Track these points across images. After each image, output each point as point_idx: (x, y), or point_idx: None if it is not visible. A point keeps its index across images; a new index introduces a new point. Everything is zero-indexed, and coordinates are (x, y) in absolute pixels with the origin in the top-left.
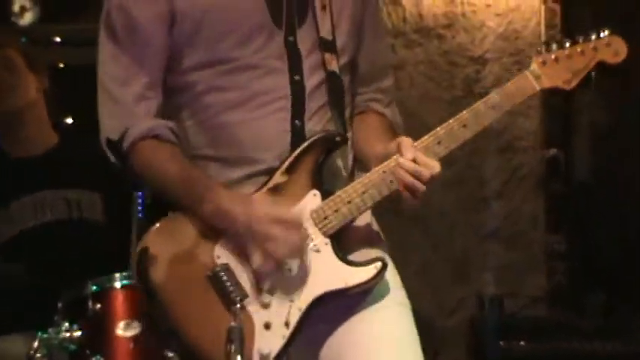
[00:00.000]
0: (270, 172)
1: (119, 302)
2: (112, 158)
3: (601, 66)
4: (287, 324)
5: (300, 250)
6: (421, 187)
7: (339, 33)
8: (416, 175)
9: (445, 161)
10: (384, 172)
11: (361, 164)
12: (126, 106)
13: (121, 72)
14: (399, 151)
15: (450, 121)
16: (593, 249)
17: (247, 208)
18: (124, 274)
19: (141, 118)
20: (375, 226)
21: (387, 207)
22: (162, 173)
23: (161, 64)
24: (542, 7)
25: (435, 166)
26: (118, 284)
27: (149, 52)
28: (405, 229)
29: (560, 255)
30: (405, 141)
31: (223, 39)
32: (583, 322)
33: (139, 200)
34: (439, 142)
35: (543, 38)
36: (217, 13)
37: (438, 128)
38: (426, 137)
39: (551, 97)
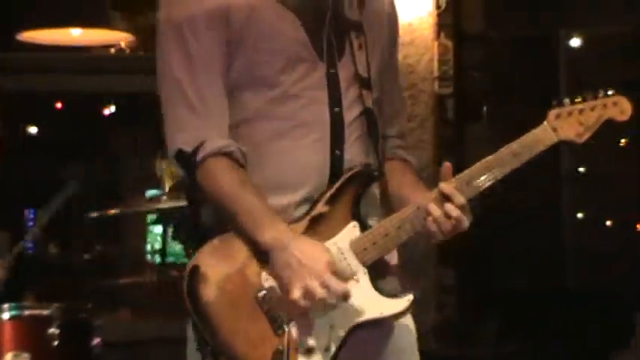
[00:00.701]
0: (309, 200)
1: (7, 333)
2: (180, 170)
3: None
4: (327, 349)
5: (345, 300)
6: (448, 227)
7: (372, 70)
8: (448, 216)
9: None
10: (418, 207)
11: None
12: (204, 118)
13: (197, 81)
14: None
15: (477, 164)
16: (486, 279)
17: (307, 247)
18: (13, 304)
19: (216, 134)
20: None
21: None
22: (228, 194)
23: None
24: (435, 43)
25: (464, 223)
26: (6, 315)
27: (219, 66)
28: None
29: (450, 288)
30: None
31: (270, 64)
32: (475, 351)
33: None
34: (467, 183)
35: (436, 73)
36: (267, 33)
37: (466, 170)
38: (455, 178)
39: (443, 130)
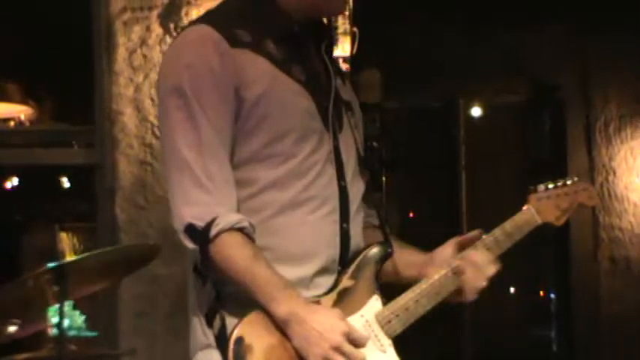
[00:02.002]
0: (324, 272)
1: None
2: (190, 244)
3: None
4: None
5: None
6: (483, 282)
7: (361, 145)
8: (478, 269)
9: None
10: (440, 276)
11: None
12: (214, 194)
13: (204, 158)
14: (458, 247)
15: (477, 242)
16: None
17: (323, 317)
18: None
19: (227, 209)
20: None
21: None
22: (243, 268)
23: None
24: None
25: (496, 264)
26: None
27: (226, 140)
28: None
29: None
30: (466, 237)
31: (284, 137)
32: None
33: None
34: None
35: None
36: (280, 111)
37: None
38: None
39: None
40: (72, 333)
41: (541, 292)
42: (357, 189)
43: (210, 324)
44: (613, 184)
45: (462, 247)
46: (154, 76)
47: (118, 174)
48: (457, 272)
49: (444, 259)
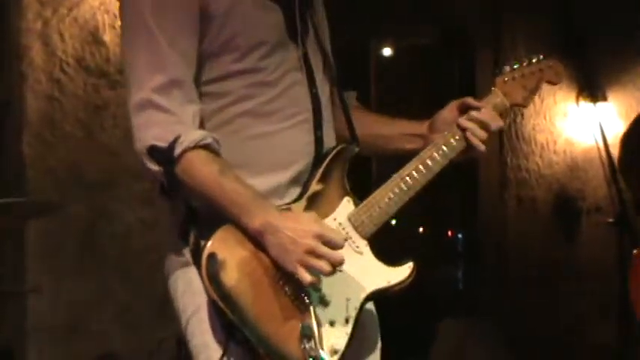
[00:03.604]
0: (298, 180)
1: None
2: (153, 166)
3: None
4: (347, 321)
5: (340, 265)
6: (485, 135)
7: (327, 45)
8: (483, 124)
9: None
10: (406, 174)
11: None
12: (174, 113)
13: (164, 79)
14: (460, 110)
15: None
16: None
17: (295, 223)
18: None
19: (190, 126)
20: None
21: None
22: (211, 185)
23: (195, 70)
24: None
25: (500, 121)
26: None
27: (188, 59)
28: (105, 272)
29: None
30: (468, 101)
31: (254, 50)
32: None
33: None
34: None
35: None
36: (250, 24)
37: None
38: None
39: None
40: None
41: (449, 232)
42: (328, 96)
43: (185, 241)
44: (521, 126)
45: (464, 109)
46: (62, 10)
47: (26, 109)
48: (462, 130)
49: (446, 122)
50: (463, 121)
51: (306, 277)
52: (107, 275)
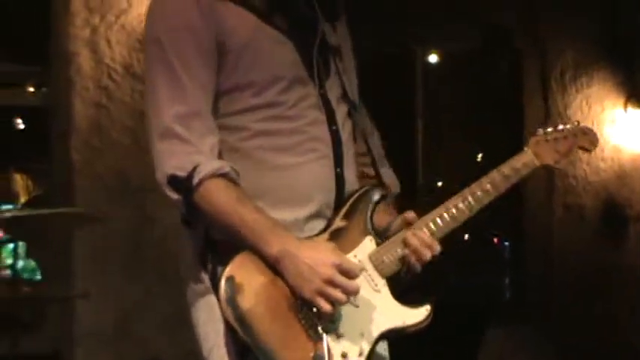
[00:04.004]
0: (318, 215)
1: None
2: (173, 195)
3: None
4: (360, 354)
5: (355, 294)
6: (418, 266)
7: (353, 92)
8: (416, 254)
9: None
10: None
11: None
12: (194, 144)
13: (184, 110)
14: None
15: (473, 185)
16: None
17: (314, 252)
18: None
19: (209, 156)
20: None
21: None
22: (229, 213)
23: (212, 105)
24: None
25: (437, 248)
26: None
27: (206, 91)
28: (151, 278)
29: None
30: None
31: (272, 84)
32: None
33: None
34: (469, 203)
35: None
36: (265, 60)
37: (465, 189)
38: (455, 196)
39: None
40: (25, 275)
41: (495, 240)
42: (349, 134)
43: (204, 268)
44: None
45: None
46: (110, 18)
47: (74, 116)
48: (404, 244)
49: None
50: (409, 237)
51: (324, 305)
52: (154, 280)
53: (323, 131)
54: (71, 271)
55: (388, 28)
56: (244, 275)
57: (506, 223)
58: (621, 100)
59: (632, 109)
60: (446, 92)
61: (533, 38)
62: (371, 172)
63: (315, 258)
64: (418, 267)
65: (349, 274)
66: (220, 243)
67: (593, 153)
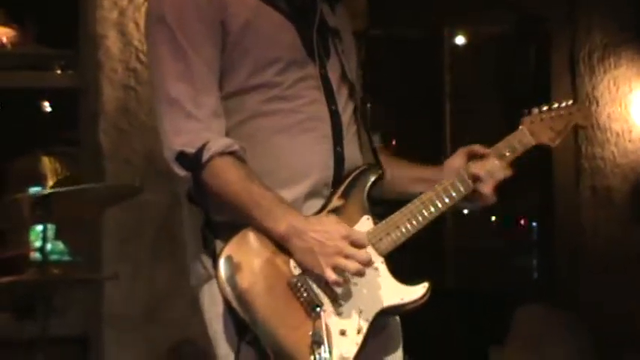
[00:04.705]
0: (315, 194)
1: None
2: (181, 172)
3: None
4: (359, 331)
5: (369, 265)
6: (492, 185)
7: (352, 73)
8: (490, 173)
9: None
10: (422, 202)
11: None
12: (203, 121)
13: (192, 87)
14: (468, 157)
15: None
16: None
17: (321, 226)
18: None
19: (218, 134)
20: None
21: None
22: (238, 190)
23: (218, 83)
24: None
25: (508, 170)
26: None
27: (213, 69)
28: (181, 260)
29: None
30: (476, 148)
31: (269, 65)
32: None
33: None
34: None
35: None
36: (264, 41)
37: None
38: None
39: None
40: (54, 257)
41: (522, 221)
42: (350, 114)
43: (207, 251)
44: (596, 114)
45: (472, 156)
46: (138, 0)
47: (102, 98)
48: (471, 178)
49: (454, 169)
50: (474, 169)
51: (334, 276)
52: (183, 263)
53: (322, 110)
54: (100, 253)
55: (417, 11)
56: (242, 254)
57: (533, 204)
58: None
59: None
60: (474, 75)
61: (563, 20)
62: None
63: (323, 231)
64: (491, 196)
65: (358, 243)
66: (220, 225)
67: (620, 134)
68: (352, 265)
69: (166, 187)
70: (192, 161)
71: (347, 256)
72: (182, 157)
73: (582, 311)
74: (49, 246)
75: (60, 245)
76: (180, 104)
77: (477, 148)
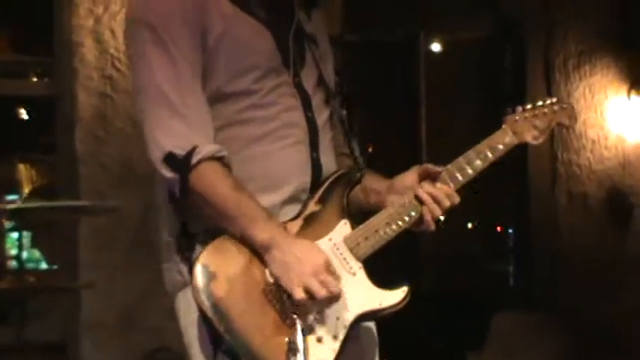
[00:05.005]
0: (293, 200)
1: None
2: (168, 173)
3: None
4: (336, 337)
5: (336, 298)
6: (439, 212)
7: (328, 77)
8: (437, 200)
9: None
10: (402, 204)
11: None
12: (193, 124)
13: (181, 90)
14: (421, 176)
15: (449, 165)
16: None
17: (303, 246)
18: None
19: (206, 139)
20: None
21: None
22: (225, 196)
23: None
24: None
25: (456, 197)
26: None
27: (198, 73)
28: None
29: None
30: (429, 168)
31: (246, 73)
32: None
33: None
34: (449, 177)
35: None
36: (242, 49)
37: (449, 165)
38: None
39: None
40: (30, 266)
41: (498, 228)
42: (325, 120)
43: (181, 256)
44: None
45: (424, 176)
46: (114, 7)
47: (78, 106)
48: (418, 200)
49: (405, 186)
50: (421, 193)
51: (301, 294)
52: (159, 269)
53: (298, 117)
54: (77, 261)
55: (392, 16)
56: (218, 262)
57: (509, 210)
58: (624, 88)
59: (635, 97)
60: (449, 80)
61: (538, 26)
62: (345, 149)
63: (304, 252)
64: (432, 224)
65: (335, 274)
66: (197, 232)
67: (596, 141)
68: (322, 292)
69: (141, 194)
70: (181, 163)
71: (320, 281)
72: (171, 159)
73: (562, 316)
74: (24, 254)
75: (36, 253)
76: (170, 105)
77: (431, 167)
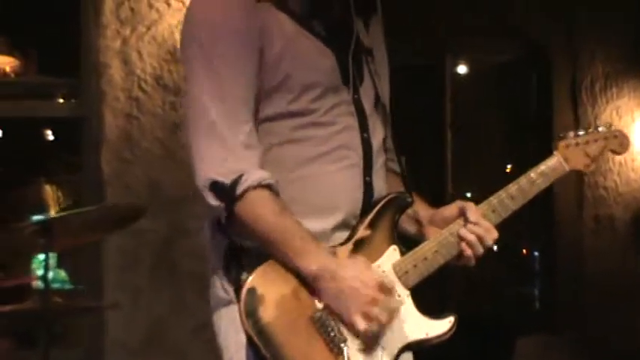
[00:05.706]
0: (345, 225)
1: None
2: (214, 201)
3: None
4: None
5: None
6: (481, 250)
7: (384, 93)
8: (480, 239)
9: None
10: (451, 234)
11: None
12: (240, 151)
13: (230, 115)
14: (463, 214)
15: (500, 192)
16: None
17: (354, 271)
18: None
19: (253, 166)
20: None
21: None
22: (271, 225)
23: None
24: None
25: (495, 233)
26: None
27: (250, 96)
28: (182, 288)
29: None
30: (470, 206)
31: (306, 91)
32: None
33: None
34: (493, 211)
35: None
36: (303, 67)
37: (491, 198)
38: (482, 205)
39: None
40: (56, 286)
41: (524, 250)
42: (380, 142)
43: (228, 276)
44: None
45: (463, 212)
46: (141, 29)
47: (104, 127)
48: (459, 237)
49: (445, 221)
50: (464, 232)
51: (364, 325)
52: (184, 291)
53: (354, 138)
54: (101, 281)
55: (418, 38)
56: (266, 287)
57: (535, 233)
58: None
59: None
60: (475, 103)
61: (564, 49)
62: (395, 167)
63: (358, 279)
64: (473, 261)
65: (387, 290)
66: (244, 251)
67: (623, 163)
68: (383, 317)
69: (166, 215)
70: (227, 192)
71: (379, 306)
72: (216, 187)
73: (586, 340)
74: (50, 274)
75: (62, 273)
76: (218, 131)
77: (470, 212)
